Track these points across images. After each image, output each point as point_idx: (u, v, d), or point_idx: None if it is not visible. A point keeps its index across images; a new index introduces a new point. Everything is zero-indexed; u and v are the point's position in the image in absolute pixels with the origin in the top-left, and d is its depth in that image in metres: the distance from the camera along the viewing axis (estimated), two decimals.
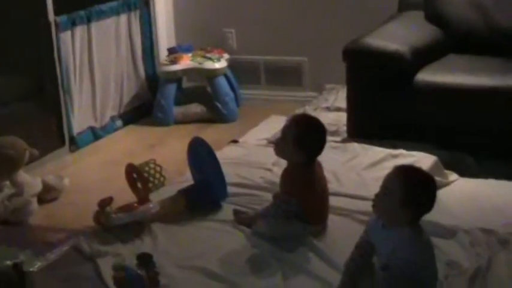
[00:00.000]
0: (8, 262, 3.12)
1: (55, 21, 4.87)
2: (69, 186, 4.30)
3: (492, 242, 3.25)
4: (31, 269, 3.16)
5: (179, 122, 5.62)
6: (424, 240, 2.79)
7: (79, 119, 5.12)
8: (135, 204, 3.60)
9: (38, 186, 4.15)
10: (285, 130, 3.46)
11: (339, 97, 5.55)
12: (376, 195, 2.80)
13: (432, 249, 2.81)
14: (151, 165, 3.78)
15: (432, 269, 2.80)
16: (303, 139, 3.38)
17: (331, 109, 5.42)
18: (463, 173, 4.11)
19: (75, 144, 5.06)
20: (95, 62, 5.26)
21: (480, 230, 3.35)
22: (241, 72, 6.13)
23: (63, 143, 4.97)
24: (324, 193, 3.49)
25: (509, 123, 4.30)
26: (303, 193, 3.38)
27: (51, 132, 4.91)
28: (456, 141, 4.39)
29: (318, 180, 3.45)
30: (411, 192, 2.73)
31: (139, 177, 3.70)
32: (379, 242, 2.83)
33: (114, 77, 5.52)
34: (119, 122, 5.57)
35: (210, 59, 5.70)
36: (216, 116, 5.63)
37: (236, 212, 3.64)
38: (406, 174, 2.80)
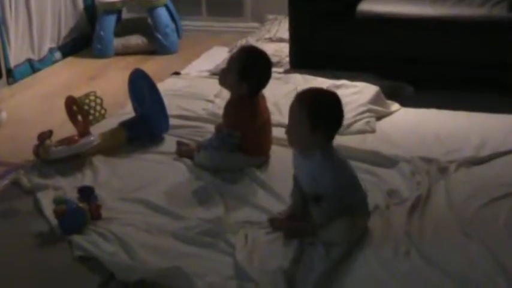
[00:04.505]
0: None
1: None
2: (7, 120, 4.22)
3: (432, 170, 3.29)
4: None
5: (119, 53, 5.54)
6: (337, 161, 2.78)
7: (16, 51, 5.00)
8: (76, 137, 3.56)
9: None
10: (231, 60, 3.43)
11: (281, 28, 5.54)
12: (287, 127, 2.81)
13: (350, 170, 2.81)
14: (92, 98, 3.72)
15: (358, 190, 2.82)
16: (248, 71, 3.34)
17: (274, 40, 5.40)
18: (403, 103, 4.14)
19: (12, 76, 4.95)
20: None
21: (421, 159, 3.39)
22: (182, 3, 6.05)
23: (0, 76, 4.85)
24: (267, 125, 3.48)
25: (449, 52, 4.33)
26: (246, 125, 3.37)
27: None
28: (397, 70, 4.41)
29: (261, 112, 3.43)
30: (315, 114, 2.72)
31: (79, 110, 3.65)
32: (299, 171, 2.85)
33: (51, 7, 5.39)
34: (57, 54, 5.47)
35: None
36: (156, 47, 5.56)
37: (179, 144, 3.61)
38: (306, 99, 2.78)
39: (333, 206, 2.72)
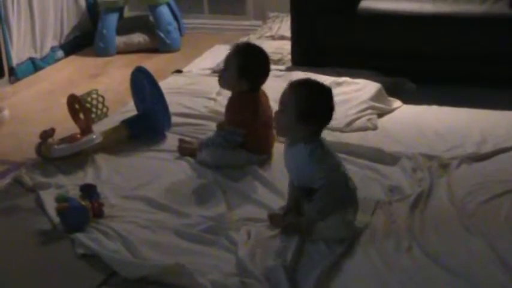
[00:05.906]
0: None
1: None
2: (10, 118, 4.22)
3: (434, 167, 3.30)
4: None
5: (121, 51, 5.54)
6: (321, 156, 2.75)
7: (18, 50, 5.01)
8: (78, 135, 3.56)
9: None
10: (228, 60, 3.43)
11: (283, 25, 5.55)
12: (275, 113, 2.81)
13: (337, 165, 2.79)
14: (94, 96, 3.73)
15: (347, 185, 2.79)
16: (246, 66, 3.35)
17: (275, 38, 5.41)
18: (404, 99, 4.14)
19: (14, 75, 4.95)
20: None
21: (423, 156, 3.39)
22: (183, 0, 6.05)
23: (2, 74, 4.86)
24: (269, 122, 3.48)
25: (450, 49, 4.33)
26: (248, 123, 3.37)
27: None
28: (398, 67, 4.41)
29: (262, 109, 3.43)
30: (304, 105, 2.73)
31: (81, 108, 3.65)
32: (286, 160, 2.86)
33: (53, 6, 5.39)
34: (59, 52, 5.47)
35: None
36: (158, 45, 5.56)
37: (181, 142, 3.62)
38: (298, 88, 2.78)
39: (323, 200, 2.72)
